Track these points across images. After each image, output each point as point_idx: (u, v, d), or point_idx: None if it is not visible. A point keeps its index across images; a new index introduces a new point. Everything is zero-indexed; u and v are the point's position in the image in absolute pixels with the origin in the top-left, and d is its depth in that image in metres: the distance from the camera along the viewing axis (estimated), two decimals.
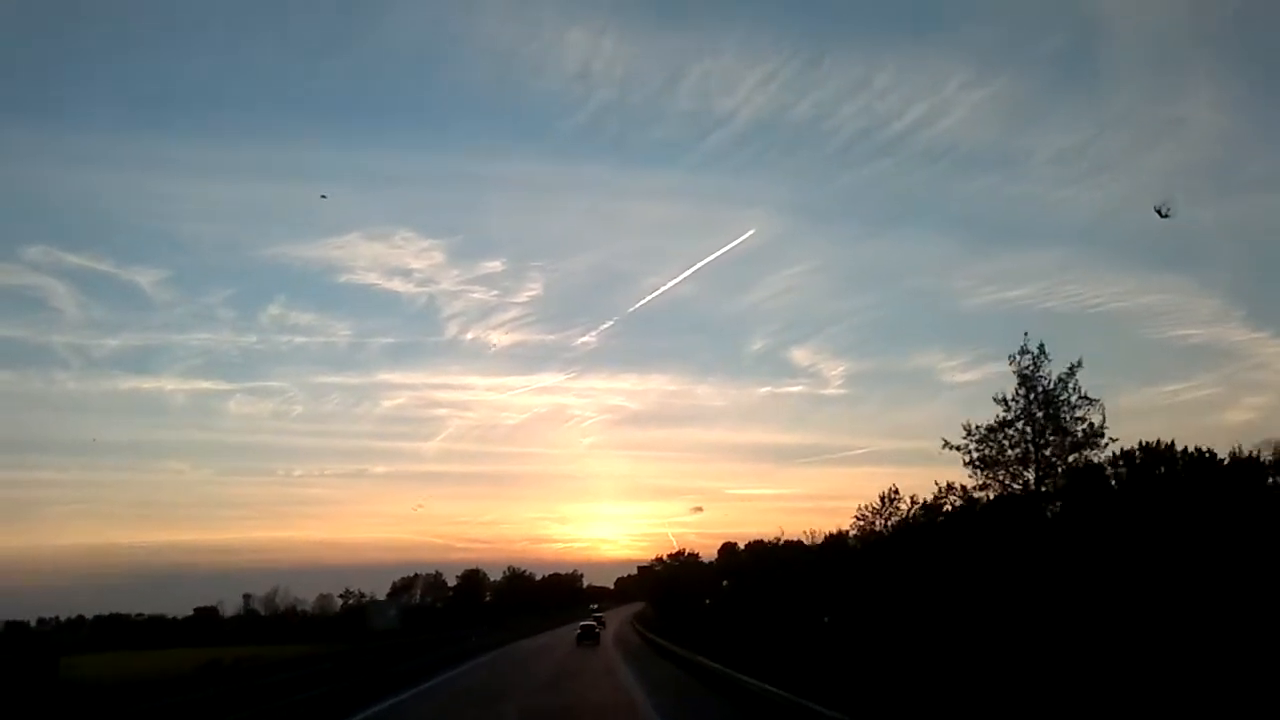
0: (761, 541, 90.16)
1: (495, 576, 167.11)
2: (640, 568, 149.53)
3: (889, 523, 47.95)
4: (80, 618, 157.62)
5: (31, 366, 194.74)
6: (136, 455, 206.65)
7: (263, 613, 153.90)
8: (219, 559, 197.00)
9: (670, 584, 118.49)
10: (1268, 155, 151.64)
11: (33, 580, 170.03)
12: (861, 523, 50.88)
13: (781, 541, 75.15)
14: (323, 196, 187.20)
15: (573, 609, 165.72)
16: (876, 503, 48.70)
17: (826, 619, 46.68)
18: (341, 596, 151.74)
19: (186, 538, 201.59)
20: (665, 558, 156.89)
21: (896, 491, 47.95)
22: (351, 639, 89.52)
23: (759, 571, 71.03)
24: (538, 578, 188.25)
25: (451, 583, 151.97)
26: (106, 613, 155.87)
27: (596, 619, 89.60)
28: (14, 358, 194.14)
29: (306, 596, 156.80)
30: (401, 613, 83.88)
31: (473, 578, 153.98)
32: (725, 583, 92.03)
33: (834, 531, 60.78)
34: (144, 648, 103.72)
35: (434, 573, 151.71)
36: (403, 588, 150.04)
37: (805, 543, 67.37)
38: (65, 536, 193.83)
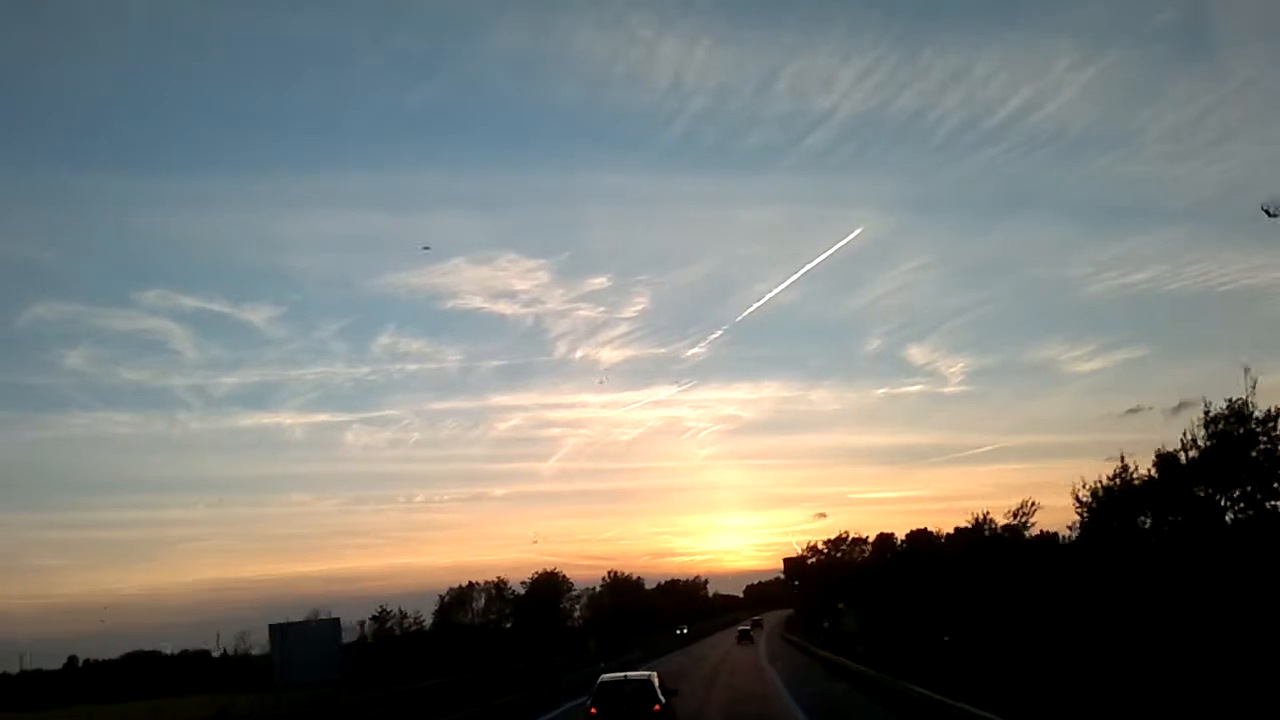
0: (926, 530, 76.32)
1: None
2: (786, 560, 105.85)
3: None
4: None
5: (154, 408, 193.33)
6: (260, 490, 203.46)
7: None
8: (344, 588, 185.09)
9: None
10: None
11: (162, 617, 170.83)
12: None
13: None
14: (425, 248, 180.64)
15: (697, 626, 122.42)
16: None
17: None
18: (375, 619, 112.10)
19: (312, 569, 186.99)
20: (821, 545, 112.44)
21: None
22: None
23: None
24: (648, 586, 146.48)
25: (523, 592, 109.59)
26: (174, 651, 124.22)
27: (754, 621, 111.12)
28: (137, 400, 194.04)
29: (349, 621, 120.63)
30: (337, 646, 41.63)
31: (547, 585, 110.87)
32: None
33: None
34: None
35: (495, 579, 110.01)
36: (454, 601, 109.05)
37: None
38: (193, 573, 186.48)
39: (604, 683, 20.65)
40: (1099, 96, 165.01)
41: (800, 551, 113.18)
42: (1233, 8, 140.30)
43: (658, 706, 19.94)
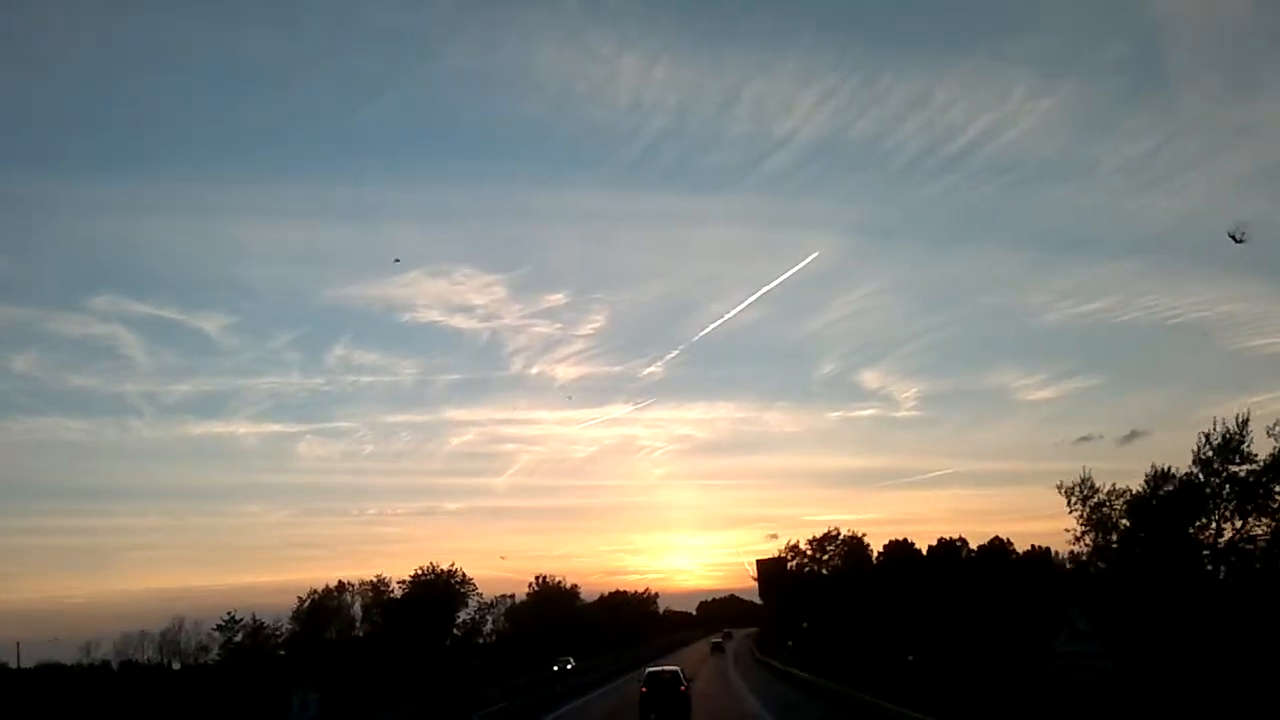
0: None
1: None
2: (760, 563, 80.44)
3: None
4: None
5: (104, 415, 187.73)
6: (212, 499, 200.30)
7: (147, 658, 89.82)
8: (295, 601, 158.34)
9: None
10: None
11: (114, 625, 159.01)
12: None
13: None
14: (396, 260, 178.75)
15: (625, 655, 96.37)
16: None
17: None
18: (220, 628, 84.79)
19: (264, 579, 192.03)
20: (804, 546, 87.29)
21: None
22: None
23: None
24: (590, 599, 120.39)
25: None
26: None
27: (725, 633, 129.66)
28: (87, 407, 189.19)
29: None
30: None
31: (442, 588, 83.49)
32: None
33: None
34: None
35: (374, 579, 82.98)
36: (315, 608, 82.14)
37: None
38: (145, 581, 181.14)
39: (650, 673, 32.93)
40: (1056, 127, 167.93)
41: (778, 553, 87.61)
42: (1186, 42, 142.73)
43: (683, 687, 31.64)
